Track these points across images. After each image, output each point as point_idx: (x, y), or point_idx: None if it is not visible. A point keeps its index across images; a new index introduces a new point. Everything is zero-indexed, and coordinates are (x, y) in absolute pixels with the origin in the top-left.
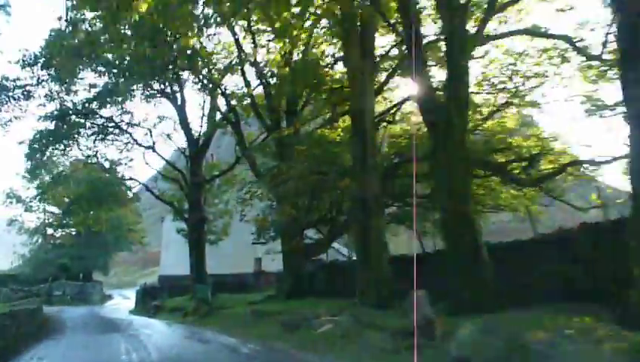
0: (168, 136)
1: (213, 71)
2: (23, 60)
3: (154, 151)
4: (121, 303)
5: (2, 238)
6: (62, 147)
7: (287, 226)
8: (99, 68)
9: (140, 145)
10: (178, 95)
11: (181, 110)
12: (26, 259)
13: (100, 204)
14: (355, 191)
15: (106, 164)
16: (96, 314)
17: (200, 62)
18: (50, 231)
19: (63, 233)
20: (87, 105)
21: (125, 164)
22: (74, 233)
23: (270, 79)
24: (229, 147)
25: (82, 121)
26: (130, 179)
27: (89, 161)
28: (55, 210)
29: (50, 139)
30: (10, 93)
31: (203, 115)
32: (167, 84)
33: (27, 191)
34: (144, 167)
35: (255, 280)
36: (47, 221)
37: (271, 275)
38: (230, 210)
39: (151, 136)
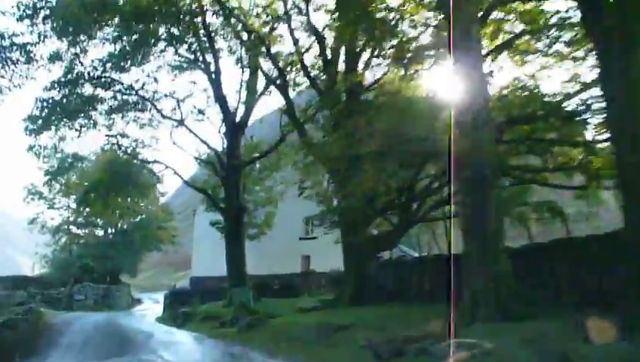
0: (200, 111)
1: (252, 20)
2: (20, 10)
3: (183, 125)
4: (151, 308)
5: (25, 239)
6: (75, 125)
7: (356, 210)
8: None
9: (168, 117)
10: (212, 65)
11: (216, 82)
12: (49, 260)
13: (120, 190)
14: (463, 157)
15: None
16: (114, 323)
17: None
18: (74, 229)
19: (87, 231)
20: (104, 66)
21: (149, 145)
22: (100, 232)
23: (324, 32)
24: (269, 130)
25: (98, 91)
26: (155, 162)
27: (108, 142)
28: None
29: (58, 111)
30: (6, 55)
31: (241, 85)
32: (198, 51)
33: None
34: (171, 150)
35: (303, 282)
36: (70, 218)
37: (321, 276)
38: (274, 198)
39: (179, 108)
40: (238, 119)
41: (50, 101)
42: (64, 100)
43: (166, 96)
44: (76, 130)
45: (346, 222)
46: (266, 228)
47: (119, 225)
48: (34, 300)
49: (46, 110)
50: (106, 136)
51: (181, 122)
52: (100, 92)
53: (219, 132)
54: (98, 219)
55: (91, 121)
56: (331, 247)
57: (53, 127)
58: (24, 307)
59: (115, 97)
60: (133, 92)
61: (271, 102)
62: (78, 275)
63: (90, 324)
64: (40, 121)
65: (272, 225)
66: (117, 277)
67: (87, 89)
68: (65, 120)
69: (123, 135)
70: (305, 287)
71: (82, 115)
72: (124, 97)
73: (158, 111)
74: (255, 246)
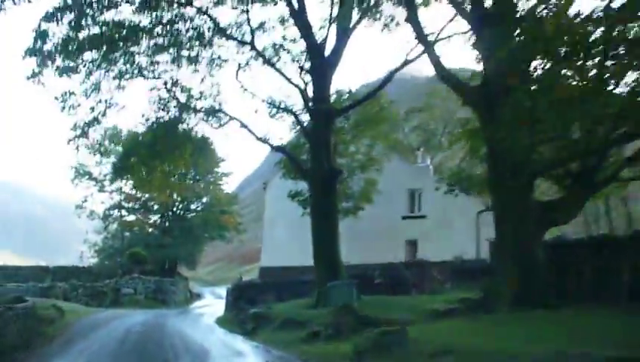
0: (281, 46)
1: None
2: None
3: (255, 51)
4: (211, 305)
5: (72, 226)
6: (113, 69)
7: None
8: None
9: (234, 38)
10: None
11: (299, 9)
12: (98, 249)
13: (169, 153)
14: None
15: (181, 96)
16: (159, 326)
17: None
18: (126, 215)
19: (140, 217)
20: None
21: (208, 96)
22: (155, 218)
23: None
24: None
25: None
26: (220, 111)
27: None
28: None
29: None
30: None
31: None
32: None
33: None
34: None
35: (414, 274)
36: (122, 202)
37: (434, 267)
38: (378, 160)
39: (252, 34)
40: (329, 52)
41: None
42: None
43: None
44: (115, 77)
45: (499, 181)
46: (363, 202)
47: (177, 210)
48: (76, 294)
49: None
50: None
51: (250, 44)
52: (143, 19)
53: (300, 70)
54: (153, 204)
55: (133, 65)
56: (445, 229)
57: (82, 68)
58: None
59: (166, 27)
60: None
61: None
62: (127, 266)
63: (123, 328)
64: (61, 58)
65: (372, 197)
66: (173, 269)
67: (126, 12)
68: (102, 62)
69: (174, 83)
70: (417, 283)
71: (121, 52)
72: (176, 27)
73: (220, 28)
74: (344, 226)
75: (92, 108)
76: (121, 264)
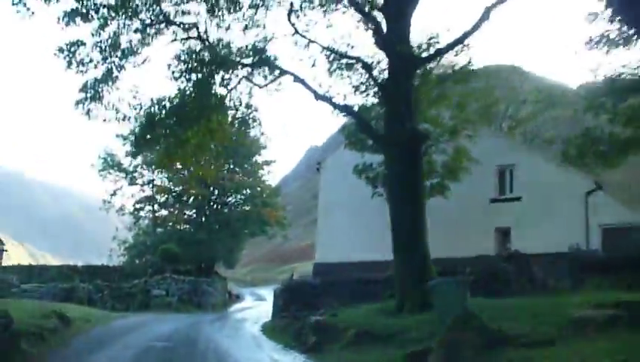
0: None
1: None
2: None
3: None
4: (253, 308)
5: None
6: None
7: None
8: None
9: None
10: None
11: None
12: (129, 246)
13: (201, 121)
14: None
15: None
16: (191, 341)
17: None
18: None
19: (174, 211)
20: None
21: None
22: (190, 212)
23: None
24: None
25: None
26: (267, 62)
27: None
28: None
29: None
30: None
31: None
32: None
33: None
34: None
35: (513, 269)
36: (156, 196)
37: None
38: (472, 120)
39: None
40: None
41: None
42: None
43: None
44: (136, 30)
45: None
46: (452, 178)
47: (214, 203)
48: (101, 296)
49: None
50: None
51: None
52: None
53: (370, 8)
54: (187, 197)
55: (159, 15)
56: (544, 214)
57: (94, 15)
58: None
59: None
60: None
61: None
62: (159, 264)
63: (142, 345)
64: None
65: (464, 170)
66: (210, 268)
67: None
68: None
69: (207, 35)
70: (516, 279)
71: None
72: None
73: None
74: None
75: (105, 59)
76: (151, 262)
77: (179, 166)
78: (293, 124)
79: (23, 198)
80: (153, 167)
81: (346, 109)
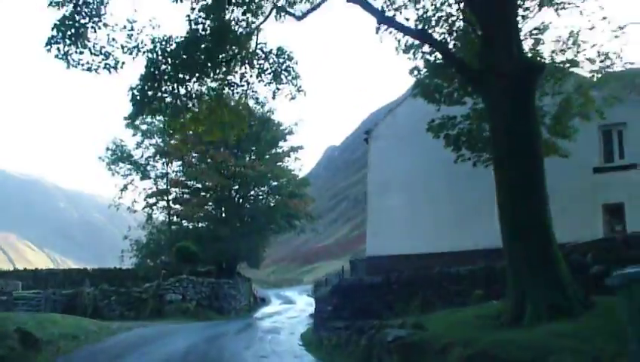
0: None
1: None
2: None
3: None
4: (282, 313)
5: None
6: None
7: None
8: None
9: None
10: None
11: None
12: (141, 246)
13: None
14: None
15: None
16: None
17: None
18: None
19: (192, 206)
20: None
21: None
22: (210, 208)
23: None
24: None
25: None
26: None
27: None
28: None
29: None
30: None
31: None
32: None
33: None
34: None
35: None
36: (170, 189)
37: None
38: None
39: None
40: None
41: None
42: None
43: None
44: None
45: None
46: (559, 132)
47: (235, 195)
48: (108, 302)
49: None
50: None
51: None
52: None
53: None
54: (205, 192)
55: None
56: None
57: None
58: None
59: None
60: None
61: None
62: (174, 265)
63: None
64: None
65: (571, 130)
66: (232, 269)
67: None
68: None
69: None
70: None
71: None
72: None
73: None
74: (491, 183)
75: None
76: (166, 263)
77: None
78: (310, 124)
79: (43, 204)
80: (166, 159)
81: (422, 35)
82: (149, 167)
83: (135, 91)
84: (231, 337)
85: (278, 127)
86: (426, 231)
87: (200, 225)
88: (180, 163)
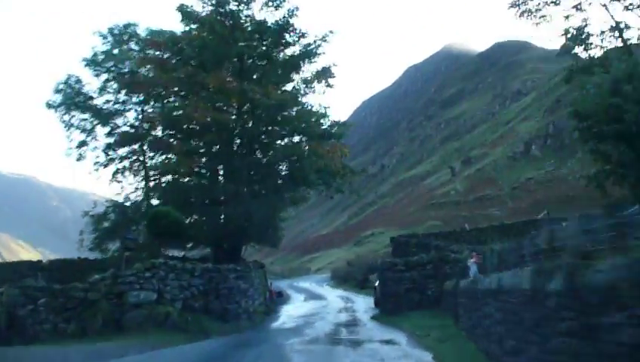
0: None
1: None
2: None
3: None
4: (318, 315)
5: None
6: None
7: None
8: None
9: None
10: None
11: None
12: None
13: None
14: None
15: None
16: None
17: None
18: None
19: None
20: None
21: None
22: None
23: None
24: None
25: None
26: None
27: None
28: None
29: None
30: None
31: None
32: None
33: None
34: None
35: None
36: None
37: None
38: None
39: None
40: None
41: None
42: None
43: None
44: None
45: None
46: None
47: (242, 139)
48: (33, 308)
49: None
50: None
51: None
52: None
53: None
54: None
55: None
56: None
57: None
58: None
59: None
60: None
61: None
62: (143, 244)
63: None
64: None
65: None
66: (237, 250)
67: None
68: None
69: None
70: None
71: None
72: None
73: None
74: None
75: None
76: (131, 240)
77: None
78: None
79: (36, 204)
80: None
81: None
82: (116, 116)
83: None
84: None
85: (300, 37)
86: None
87: (193, 180)
88: (156, 102)
